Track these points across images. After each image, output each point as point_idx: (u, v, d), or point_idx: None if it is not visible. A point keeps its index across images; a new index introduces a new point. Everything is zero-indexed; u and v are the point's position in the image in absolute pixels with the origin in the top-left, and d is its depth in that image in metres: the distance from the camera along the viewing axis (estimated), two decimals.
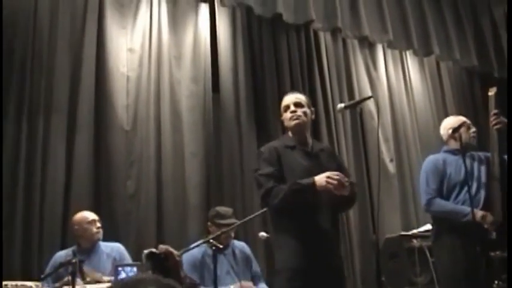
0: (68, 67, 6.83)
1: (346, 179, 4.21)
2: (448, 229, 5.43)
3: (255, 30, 8.23)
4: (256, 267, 6.08)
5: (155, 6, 7.55)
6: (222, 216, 5.88)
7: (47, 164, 6.43)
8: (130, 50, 7.27)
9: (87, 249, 5.71)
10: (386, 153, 9.05)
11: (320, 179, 4.18)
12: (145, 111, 7.10)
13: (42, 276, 5.19)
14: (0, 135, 6.23)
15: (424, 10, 9.56)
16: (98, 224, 5.83)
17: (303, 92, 7.89)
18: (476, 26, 10.13)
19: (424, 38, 9.27)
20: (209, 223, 5.95)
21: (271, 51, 8.25)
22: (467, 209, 5.26)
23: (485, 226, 5.21)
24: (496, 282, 5.13)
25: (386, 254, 7.59)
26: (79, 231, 5.76)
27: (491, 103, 5.61)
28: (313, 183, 4.20)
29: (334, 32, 8.84)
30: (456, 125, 5.70)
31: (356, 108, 4.62)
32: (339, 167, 4.65)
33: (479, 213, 5.23)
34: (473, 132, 5.68)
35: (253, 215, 5.39)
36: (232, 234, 5.99)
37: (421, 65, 10.26)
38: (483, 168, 5.58)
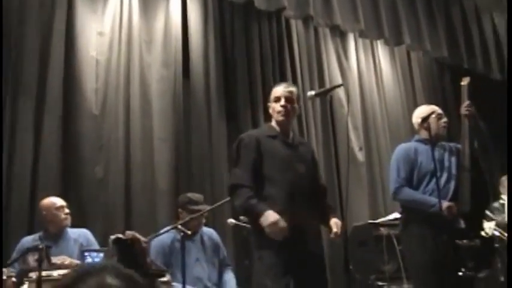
0: (37, 50, 6.73)
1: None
2: (416, 218, 5.45)
3: (226, 15, 8.21)
4: (224, 254, 6.07)
5: None
6: (195, 202, 5.86)
7: (15, 148, 6.34)
8: (101, 34, 7.19)
9: (54, 234, 5.65)
10: (356, 142, 9.08)
11: (266, 218, 4.23)
12: (115, 95, 7.04)
13: (9, 261, 5.13)
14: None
15: (395, 0, 9.58)
16: (66, 210, 5.77)
17: (273, 79, 7.97)
18: (447, 18, 10.18)
19: (395, 28, 9.30)
20: (180, 209, 5.91)
21: (243, 38, 8.24)
22: (433, 199, 5.29)
23: (449, 217, 5.24)
24: (463, 270, 5.18)
25: (354, 242, 7.61)
26: (47, 216, 5.70)
27: (464, 93, 5.63)
28: (260, 215, 4.26)
29: (306, 20, 8.84)
30: (427, 114, 5.71)
31: (326, 96, 4.65)
32: (314, 165, 4.84)
33: (445, 204, 5.25)
34: (444, 122, 5.68)
35: (223, 201, 5.40)
36: (204, 220, 5.98)
37: (392, 54, 10.30)
38: (454, 159, 5.60)
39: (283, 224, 4.22)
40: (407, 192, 5.50)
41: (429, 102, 9.43)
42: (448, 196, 5.36)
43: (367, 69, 9.79)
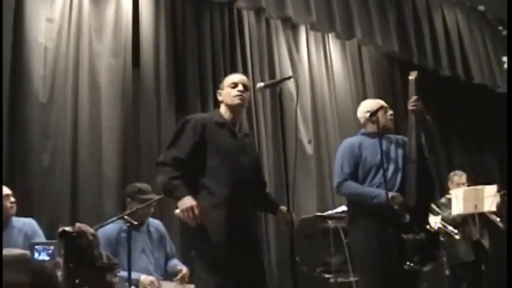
0: None
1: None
2: (362, 212, 5.49)
3: (178, 5, 8.16)
4: (170, 246, 6.03)
5: None
6: (144, 191, 5.82)
7: None
8: (50, 20, 7.08)
9: None
10: (305, 134, 9.12)
11: (184, 203, 4.23)
12: (63, 83, 6.94)
13: None
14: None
15: None
16: (12, 199, 5.68)
17: (223, 70, 7.95)
18: (398, 13, 10.24)
19: (346, 21, 9.32)
20: (128, 199, 5.86)
21: (194, 28, 8.20)
22: (376, 190, 5.33)
23: (395, 207, 5.28)
24: (408, 263, 5.22)
25: (301, 235, 7.63)
26: None
27: (411, 87, 5.67)
28: (178, 199, 4.27)
29: (258, 11, 8.83)
30: (374, 108, 5.72)
31: (275, 88, 4.66)
32: (256, 158, 4.87)
33: (389, 195, 5.29)
34: (391, 115, 5.71)
35: None
36: (152, 210, 5.94)
37: (343, 48, 10.35)
38: (400, 151, 5.63)
39: (197, 211, 4.22)
40: (350, 186, 5.52)
41: (379, 96, 9.49)
42: (395, 188, 5.40)
43: (318, 62, 9.83)
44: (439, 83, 11.30)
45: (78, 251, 2.60)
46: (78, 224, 2.81)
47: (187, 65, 7.98)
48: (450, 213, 8.44)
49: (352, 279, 6.98)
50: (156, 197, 5.63)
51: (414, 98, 5.49)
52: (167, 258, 5.95)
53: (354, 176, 5.55)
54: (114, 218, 5.35)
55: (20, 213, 5.76)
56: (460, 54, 10.93)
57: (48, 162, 6.66)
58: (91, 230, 2.84)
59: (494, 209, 8.29)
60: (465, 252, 8.51)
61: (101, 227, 5.36)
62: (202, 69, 7.96)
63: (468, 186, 8.67)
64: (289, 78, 5.12)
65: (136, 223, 5.31)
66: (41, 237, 5.62)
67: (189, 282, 5.54)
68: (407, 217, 5.30)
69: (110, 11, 7.53)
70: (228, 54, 8.43)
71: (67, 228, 2.79)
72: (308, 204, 8.67)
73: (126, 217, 5.17)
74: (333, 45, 10.20)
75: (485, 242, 8.56)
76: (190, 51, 8.05)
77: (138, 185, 5.96)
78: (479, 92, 11.76)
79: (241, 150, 4.58)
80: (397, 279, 5.19)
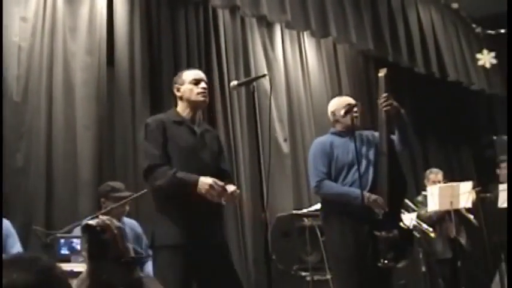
0: None
1: (233, 189, 4.42)
2: (336, 209, 5.51)
3: (153, 3, 8.13)
4: (146, 245, 6.01)
5: None
6: (117, 190, 5.84)
7: None
8: (23, 19, 7.02)
9: None
10: (281, 133, 9.14)
11: (203, 184, 4.26)
12: (37, 82, 6.89)
13: None
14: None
15: None
16: None
17: (199, 68, 7.94)
18: (373, 11, 10.26)
19: (322, 19, 9.32)
20: (103, 199, 5.86)
21: (169, 26, 8.19)
22: (356, 191, 5.34)
23: (376, 210, 5.31)
24: (382, 261, 5.25)
25: (277, 233, 7.66)
26: None
27: (381, 84, 5.69)
28: (195, 183, 4.27)
29: (233, 10, 8.83)
30: (340, 106, 5.79)
31: (249, 86, 4.66)
32: (220, 151, 4.86)
33: (372, 197, 5.31)
34: (355, 112, 5.72)
35: (145, 190, 5.37)
36: (127, 208, 5.92)
37: (318, 46, 10.39)
38: (371, 148, 5.67)
39: (220, 183, 4.31)
40: (330, 186, 5.55)
41: (354, 93, 9.58)
42: (368, 186, 5.42)
43: (293, 61, 9.87)
44: (414, 80, 11.36)
45: (101, 245, 2.58)
46: (102, 217, 2.78)
47: (162, 63, 7.96)
48: (426, 211, 8.49)
49: (328, 277, 7.02)
50: (134, 195, 5.65)
51: (384, 95, 5.52)
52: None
53: (328, 174, 5.57)
54: (88, 218, 5.33)
55: None
56: (434, 52, 10.96)
57: (23, 161, 6.61)
58: (116, 223, 2.81)
59: (469, 205, 8.35)
60: (442, 249, 8.58)
61: (75, 227, 5.36)
62: (177, 68, 7.93)
63: (444, 183, 8.72)
64: (263, 76, 5.14)
65: None
66: (14, 237, 5.57)
67: None
68: (381, 214, 5.33)
69: (84, 10, 7.48)
70: (203, 53, 8.42)
71: (90, 222, 2.77)
72: (284, 203, 8.68)
73: (100, 217, 5.15)
74: (308, 44, 10.24)
75: (462, 239, 8.62)
76: (165, 49, 8.04)
77: (111, 183, 5.96)
78: (454, 89, 11.82)
79: (201, 147, 4.59)
80: (371, 277, 5.21)
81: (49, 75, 7.00)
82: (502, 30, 11.84)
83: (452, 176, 10.62)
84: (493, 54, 11.66)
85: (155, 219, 4.55)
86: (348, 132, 5.63)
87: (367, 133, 5.86)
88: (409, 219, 7.82)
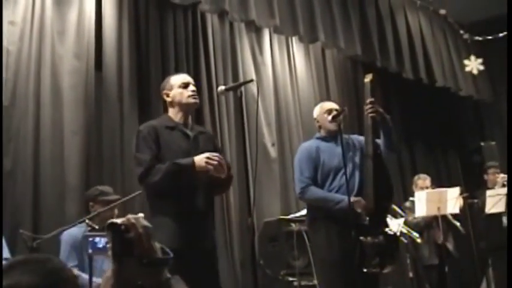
0: None
1: (224, 161, 4.34)
2: (322, 215, 5.53)
3: (141, 8, 8.12)
4: None
5: None
6: (106, 193, 5.83)
7: None
8: (12, 23, 6.99)
9: None
10: (269, 138, 9.14)
11: (200, 160, 4.33)
12: (25, 86, 6.86)
13: None
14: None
15: None
16: None
17: (187, 73, 7.94)
18: (361, 16, 10.28)
19: (310, 24, 9.33)
20: (91, 203, 5.85)
21: (157, 31, 8.18)
22: (339, 196, 5.37)
23: (358, 210, 5.32)
24: (367, 266, 5.26)
25: (265, 238, 7.67)
26: None
27: (367, 89, 5.73)
28: (193, 164, 4.29)
29: (221, 14, 8.84)
30: (322, 112, 5.83)
31: (236, 91, 4.68)
32: (216, 151, 4.78)
33: (353, 199, 5.33)
34: (337, 115, 5.74)
35: (136, 193, 5.38)
36: (116, 212, 5.92)
37: (307, 51, 10.41)
38: (357, 152, 5.70)
39: (216, 155, 4.40)
40: (313, 192, 5.57)
41: (342, 98, 9.61)
42: (354, 191, 5.45)
43: (281, 66, 9.89)
44: (403, 86, 11.39)
45: (126, 244, 2.55)
46: (128, 216, 2.75)
47: (150, 68, 7.96)
48: (414, 217, 8.51)
49: (316, 282, 7.01)
50: (123, 198, 5.64)
51: (369, 100, 5.56)
52: None
53: (313, 179, 5.59)
54: (76, 222, 5.33)
55: None
56: (423, 57, 10.99)
57: (10, 166, 6.59)
58: (143, 222, 2.78)
59: (457, 211, 8.37)
60: (429, 255, 8.60)
61: (63, 230, 5.34)
62: (165, 73, 7.93)
63: (432, 189, 8.74)
64: (250, 81, 5.18)
65: (97, 227, 5.28)
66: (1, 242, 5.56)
67: None
68: (367, 220, 5.34)
69: (72, 14, 7.46)
70: (192, 58, 8.42)
71: (115, 220, 2.74)
72: (272, 207, 8.69)
73: (87, 221, 5.14)
74: (297, 49, 10.27)
75: (450, 245, 8.64)
76: (154, 54, 8.03)
77: (100, 187, 5.95)
78: (442, 95, 11.86)
79: (195, 150, 4.60)
80: (357, 283, 5.22)
81: (37, 79, 6.98)
82: (490, 37, 11.89)
83: (440, 181, 10.65)
84: (480, 60, 11.71)
85: (150, 223, 4.56)
86: (333, 136, 5.67)
87: (352, 137, 5.89)
88: (396, 225, 7.84)
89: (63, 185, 6.86)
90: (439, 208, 8.14)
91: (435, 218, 8.32)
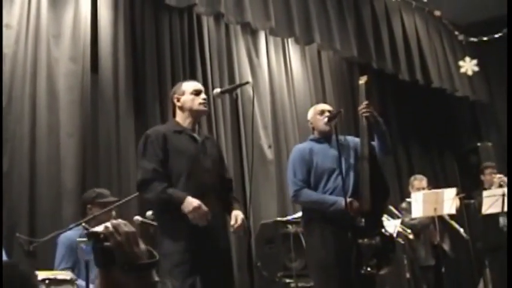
0: None
1: (242, 218, 4.58)
2: (318, 216, 5.52)
3: (137, 10, 8.12)
4: None
5: None
6: (103, 195, 5.81)
7: None
8: (7, 26, 6.99)
9: None
10: (265, 140, 9.14)
11: (188, 204, 4.36)
12: (21, 89, 6.86)
13: None
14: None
15: None
16: None
17: (183, 75, 7.94)
18: (357, 17, 10.29)
19: (306, 26, 9.33)
20: (89, 205, 5.82)
21: (153, 33, 8.18)
22: (333, 198, 5.38)
23: (351, 213, 5.32)
24: (364, 268, 5.26)
25: (262, 240, 7.67)
26: None
27: (362, 91, 5.75)
28: (181, 202, 4.38)
29: (217, 17, 8.84)
30: (315, 113, 5.85)
31: (232, 93, 4.71)
32: (220, 159, 4.99)
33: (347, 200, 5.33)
34: (333, 117, 5.75)
35: (132, 196, 5.38)
36: (114, 214, 5.91)
37: (303, 53, 10.41)
38: (351, 153, 5.71)
39: (205, 208, 4.35)
40: (307, 194, 5.57)
41: (339, 100, 9.61)
42: (349, 192, 5.45)
43: (277, 68, 9.89)
44: (398, 87, 11.40)
45: (106, 253, 2.53)
46: (107, 223, 2.72)
47: (146, 70, 7.95)
48: (411, 219, 8.50)
49: (312, 283, 7.01)
50: (121, 200, 5.63)
51: (364, 103, 5.57)
52: None
53: (307, 182, 5.59)
54: (72, 225, 5.33)
55: None
56: (418, 59, 11.01)
57: (6, 168, 6.58)
58: (125, 229, 2.74)
59: (453, 211, 8.36)
60: (425, 256, 8.59)
61: (59, 234, 5.33)
62: (161, 75, 7.94)
63: (429, 190, 8.74)
64: (245, 83, 5.20)
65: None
66: None
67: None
68: (363, 221, 5.34)
69: (68, 17, 7.46)
70: (188, 60, 8.42)
71: (95, 230, 2.72)
72: (268, 209, 8.69)
73: (83, 224, 5.13)
74: (293, 50, 10.27)
75: (446, 246, 8.64)
76: (149, 56, 8.03)
77: (97, 190, 5.94)
78: (438, 95, 11.87)
79: (203, 154, 4.66)
80: (353, 285, 5.22)
81: (33, 82, 6.97)
82: (485, 38, 11.90)
83: (436, 182, 10.65)
84: (475, 61, 11.72)
85: (161, 225, 4.68)
86: (326, 138, 5.68)
87: (347, 138, 5.90)
88: (393, 226, 7.84)
89: (59, 187, 6.86)
90: (435, 209, 8.13)
91: (432, 219, 8.31)
